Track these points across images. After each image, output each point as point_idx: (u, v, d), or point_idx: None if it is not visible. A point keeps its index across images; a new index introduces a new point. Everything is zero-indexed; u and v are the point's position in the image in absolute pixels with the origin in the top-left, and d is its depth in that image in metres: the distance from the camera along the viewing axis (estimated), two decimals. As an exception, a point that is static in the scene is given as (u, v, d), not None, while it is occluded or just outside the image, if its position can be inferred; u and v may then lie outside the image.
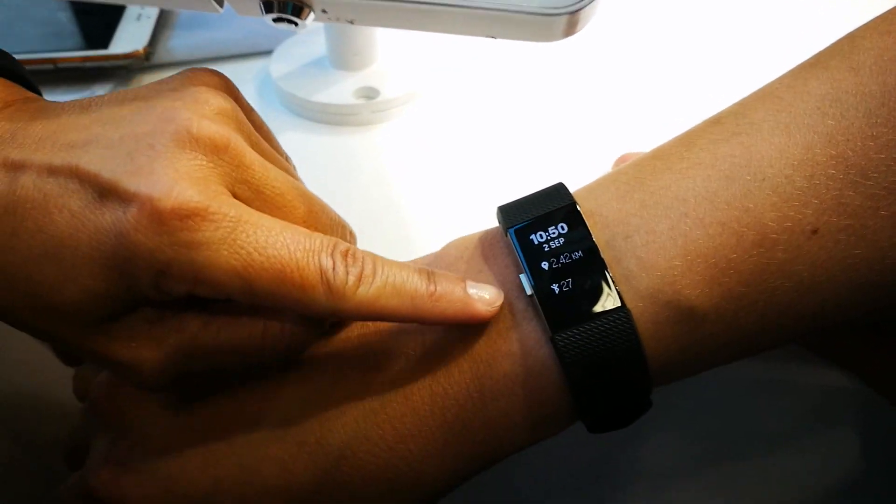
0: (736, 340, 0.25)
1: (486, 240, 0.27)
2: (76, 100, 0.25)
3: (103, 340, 0.23)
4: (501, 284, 0.25)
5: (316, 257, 0.22)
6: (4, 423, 0.43)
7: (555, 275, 0.24)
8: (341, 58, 0.43)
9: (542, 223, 0.25)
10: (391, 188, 0.39)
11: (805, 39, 0.27)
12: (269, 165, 0.25)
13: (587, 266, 0.24)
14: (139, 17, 0.48)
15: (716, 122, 0.26)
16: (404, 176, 0.40)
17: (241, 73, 0.47)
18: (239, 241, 0.21)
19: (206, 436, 0.25)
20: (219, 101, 0.25)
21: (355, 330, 0.26)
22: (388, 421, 0.24)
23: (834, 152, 0.23)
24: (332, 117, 0.43)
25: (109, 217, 0.21)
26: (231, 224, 0.21)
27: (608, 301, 0.23)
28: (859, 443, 0.33)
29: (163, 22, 0.49)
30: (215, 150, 0.23)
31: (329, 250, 0.22)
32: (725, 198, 0.24)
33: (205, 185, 0.22)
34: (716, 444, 0.36)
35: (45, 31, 0.47)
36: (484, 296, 0.24)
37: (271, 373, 0.26)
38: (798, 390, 0.33)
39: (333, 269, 0.22)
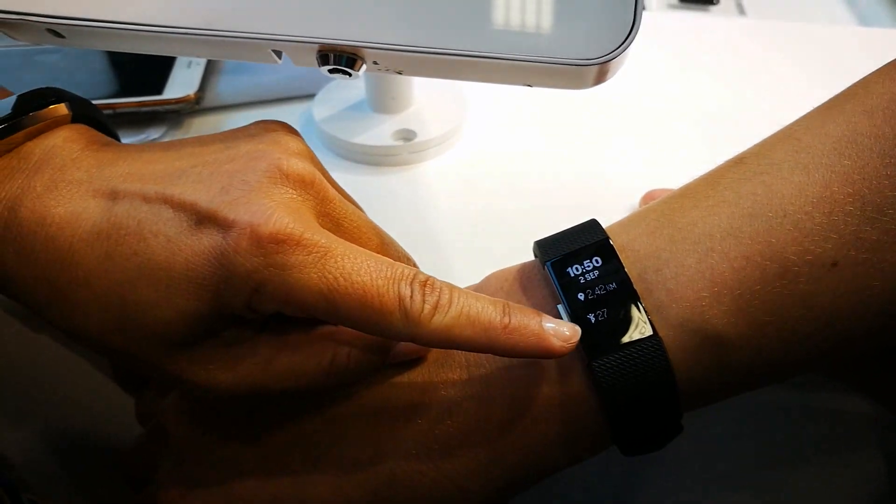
0: (761, 367, 0.26)
1: (524, 272, 0.29)
2: (155, 142, 0.27)
3: (184, 362, 0.25)
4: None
5: (396, 285, 0.23)
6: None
7: (590, 305, 0.26)
8: (380, 101, 0.46)
9: (578, 257, 0.27)
10: (429, 225, 0.41)
11: (821, 84, 0.29)
12: (346, 202, 0.27)
13: (621, 297, 0.26)
14: (189, 65, 0.51)
15: (739, 161, 0.28)
16: (442, 213, 0.42)
17: (285, 116, 0.49)
18: (328, 267, 0.23)
19: (265, 456, 0.27)
20: (298, 144, 0.27)
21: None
22: (435, 442, 0.26)
23: (851, 190, 0.25)
24: (372, 158, 0.45)
25: (207, 242, 0.23)
26: (321, 251, 0.23)
27: (641, 330, 0.25)
28: (881, 467, 0.34)
29: (211, 68, 0.52)
30: (303, 185, 0.25)
31: (409, 280, 0.24)
32: (749, 233, 0.25)
33: (298, 215, 0.24)
34: (737, 470, 0.37)
35: (104, 79, 0.50)
36: (562, 331, 0.24)
37: (327, 396, 0.27)
38: (818, 416, 0.34)
39: (411, 297, 0.23)
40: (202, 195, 0.24)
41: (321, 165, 0.28)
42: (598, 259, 0.27)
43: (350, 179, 0.45)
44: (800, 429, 0.34)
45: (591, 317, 0.26)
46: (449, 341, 0.24)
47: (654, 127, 0.48)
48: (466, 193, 0.43)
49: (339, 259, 0.23)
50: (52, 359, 0.42)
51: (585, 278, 0.26)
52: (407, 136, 0.45)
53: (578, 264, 0.27)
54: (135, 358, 0.25)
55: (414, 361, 0.28)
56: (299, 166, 0.26)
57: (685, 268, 0.26)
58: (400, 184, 0.44)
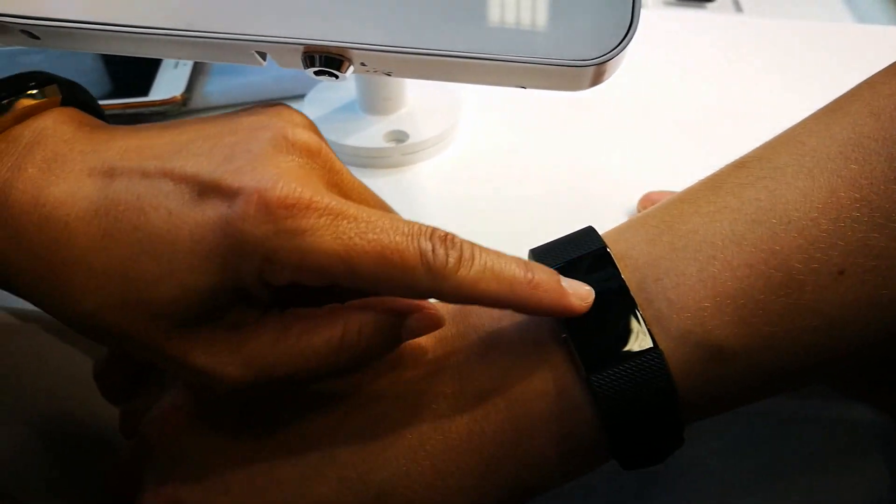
0: (765, 379, 0.25)
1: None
2: (151, 123, 0.27)
3: (186, 345, 0.24)
4: (536, 327, 0.26)
5: (415, 240, 0.23)
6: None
7: (587, 317, 0.25)
8: (371, 103, 0.45)
9: (575, 266, 0.26)
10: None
11: (820, 82, 0.28)
12: (353, 175, 0.27)
13: (620, 308, 0.25)
14: (176, 65, 0.50)
15: (741, 165, 0.27)
16: (434, 216, 0.41)
17: (273, 118, 0.49)
18: (342, 228, 0.22)
19: (252, 470, 0.26)
20: (302, 117, 0.26)
21: (396, 371, 0.27)
22: (426, 458, 0.25)
23: (858, 196, 0.24)
24: (363, 160, 0.44)
25: (212, 212, 0.23)
26: (334, 212, 0.23)
27: (641, 342, 0.24)
28: (885, 475, 0.33)
29: (198, 69, 0.51)
30: (310, 154, 0.25)
31: (428, 235, 0.23)
32: (752, 241, 0.25)
33: (307, 180, 0.23)
34: (741, 482, 0.36)
35: (88, 80, 0.49)
36: (581, 290, 0.24)
37: (316, 412, 0.26)
38: (821, 425, 0.33)
39: (433, 251, 0.23)
40: (204, 166, 0.23)
41: (326, 141, 0.27)
42: (596, 268, 0.26)
43: (341, 182, 0.44)
44: (803, 439, 0.34)
45: (589, 329, 0.25)
46: (475, 295, 0.23)
47: (650, 127, 0.47)
48: (459, 196, 0.42)
49: (353, 220, 0.23)
50: (33, 360, 0.41)
51: (583, 289, 0.25)
52: (399, 137, 0.44)
53: (576, 273, 0.26)
54: (134, 340, 0.24)
55: (405, 377, 0.27)
56: (305, 135, 0.25)
57: (686, 277, 0.25)
58: (391, 186, 0.43)
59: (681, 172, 0.29)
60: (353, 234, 0.22)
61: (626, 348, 0.24)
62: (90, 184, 0.24)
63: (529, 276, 0.24)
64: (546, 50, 0.25)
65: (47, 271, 0.23)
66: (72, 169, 0.24)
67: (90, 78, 0.49)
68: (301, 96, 0.48)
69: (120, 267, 0.23)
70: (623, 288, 0.25)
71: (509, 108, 0.49)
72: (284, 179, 0.23)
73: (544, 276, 0.24)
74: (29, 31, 0.27)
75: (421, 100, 0.46)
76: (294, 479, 0.26)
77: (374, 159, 0.44)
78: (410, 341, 0.27)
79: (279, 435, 0.26)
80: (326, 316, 0.25)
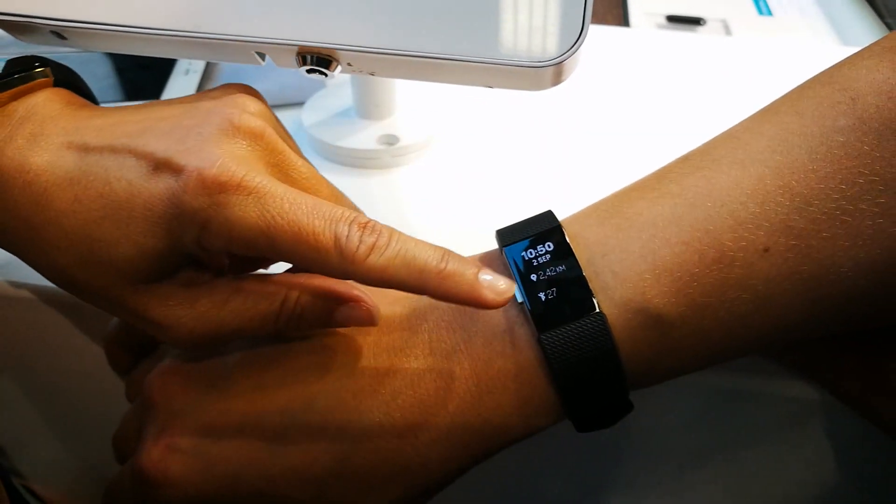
0: (702, 347, 0.28)
1: (486, 258, 0.31)
2: (130, 104, 0.31)
3: (144, 299, 0.28)
4: None
5: (333, 224, 0.26)
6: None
7: (542, 285, 0.28)
8: (365, 108, 0.48)
9: (533, 243, 0.29)
10: (409, 222, 0.43)
11: (767, 90, 0.31)
12: (297, 155, 0.30)
13: (569, 278, 0.28)
14: (187, 72, 0.54)
15: (685, 159, 0.30)
16: (420, 212, 0.44)
17: (275, 122, 0.52)
18: (266, 206, 0.26)
19: (241, 422, 0.29)
20: (255, 104, 0.30)
21: (374, 335, 0.30)
22: (398, 410, 0.28)
23: (781, 183, 0.27)
24: (356, 161, 0.47)
25: (163, 185, 0.27)
26: (261, 191, 0.26)
27: (587, 308, 0.27)
28: (827, 452, 0.36)
29: (208, 75, 0.55)
30: (253, 137, 0.28)
31: (347, 221, 0.26)
32: (689, 221, 0.28)
33: (244, 162, 0.27)
34: (694, 455, 0.39)
35: (102, 85, 0.52)
36: (497, 284, 0.26)
37: (300, 372, 0.29)
38: (764, 401, 0.36)
39: (347, 236, 0.26)
40: (160, 146, 0.27)
41: (278, 125, 0.31)
42: (551, 244, 0.29)
43: (335, 181, 0.46)
44: (749, 413, 0.36)
45: (542, 295, 0.28)
46: (383, 280, 0.26)
47: (637, 141, 0.50)
48: (444, 195, 0.45)
49: (278, 199, 0.26)
50: (40, 343, 0.43)
51: (538, 261, 0.29)
52: (390, 140, 0.48)
53: (533, 249, 0.29)
54: (99, 295, 0.28)
55: (379, 337, 0.30)
56: (251, 121, 0.29)
57: (629, 253, 0.28)
58: (381, 185, 0.46)
59: (644, 165, 0.32)
60: (275, 213, 0.26)
61: (574, 312, 0.27)
62: (68, 156, 0.28)
63: (442, 266, 0.26)
64: (507, 52, 0.28)
65: (28, 230, 0.27)
66: (53, 142, 0.28)
67: (104, 84, 0.53)
68: (301, 103, 0.52)
69: (86, 228, 0.27)
70: (574, 262, 0.28)
71: (494, 113, 0.52)
72: (223, 160, 0.26)
73: (459, 267, 0.26)
74: (58, 31, 0.31)
75: (411, 105, 0.50)
76: (278, 430, 0.29)
77: (366, 160, 0.47)
78: (386, 310, 0.30)
79: (265, 391, 0.29)
80: (273, 285, 0.28)
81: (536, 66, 0.28)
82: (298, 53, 0.30)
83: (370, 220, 0.27)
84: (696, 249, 0.27)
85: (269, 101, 0.55)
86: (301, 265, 0.27)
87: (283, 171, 0.29)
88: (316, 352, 0.30)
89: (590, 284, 0.28)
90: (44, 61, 0.31)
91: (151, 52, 0.32)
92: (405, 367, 0.29)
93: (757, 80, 0.56)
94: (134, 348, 0.36)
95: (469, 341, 0.29)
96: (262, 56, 0.31)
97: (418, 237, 0.42)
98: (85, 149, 0.28)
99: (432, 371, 0.29)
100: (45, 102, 0.29)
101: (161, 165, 0.27)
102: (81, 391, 0.45)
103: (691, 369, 0.29)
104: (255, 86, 0.56)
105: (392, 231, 0.27)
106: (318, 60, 0.30)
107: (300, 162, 0.30)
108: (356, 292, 0.29)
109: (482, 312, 0.29)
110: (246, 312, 0.28)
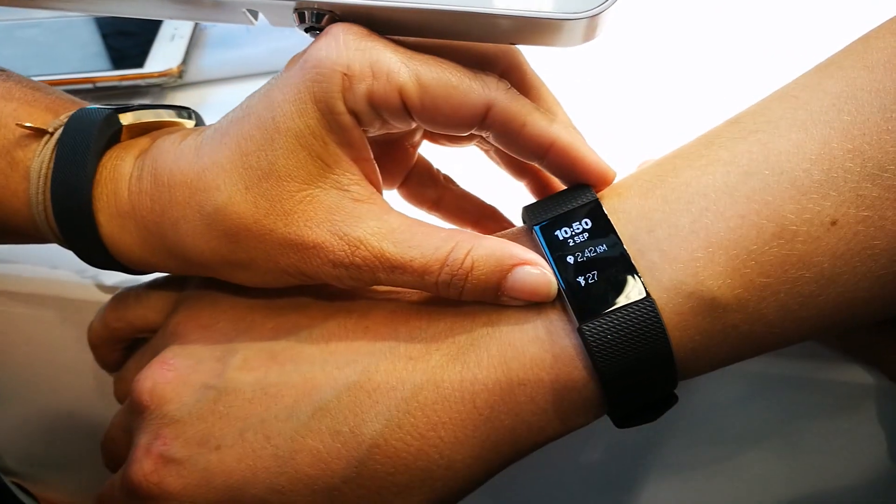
0: (758, 332, 0.25)
1: (512, 238, 0.28)
2: None
3: (308, 213, 0.26)
4: None
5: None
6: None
7: (580, 268, 0.25)
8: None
9: (566, 219, 0.26)
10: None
11: (821, 43, 0.28)
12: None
13: (612, 259, 0.25)
14: (173, 38, 0.50)
15: (735, 121, 0.27)
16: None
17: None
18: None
19: (243, 427, 0.26)
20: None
21: (391, 325, 0.27)
22: (419, 409, 0.25)
23: (851, 146, 0.24)
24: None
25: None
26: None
27: (633, 292, 0.24)
28: (883, 438, 0.33)
29: (195, 41, 0.51)
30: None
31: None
32: (745, 192, 0.24)
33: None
34: (737, 442, 0.36)
35: (84, 53, 0.49)
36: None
37: (306, 367, 0.26)
38: (819, 387, 0.33)
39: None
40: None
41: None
42: (588, 221, 0.26)
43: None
44: (797, 401, 0.34)
45: (581, 279, 0.25)
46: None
47: (651, 89, 0.46)
48: (456, 159, 0.42)
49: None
50: (32, 343, 0.41)
51: (575, 241, 0.25)
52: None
53: (567, 227, 0.26)
54: (261, 223, 0.26)
55: (395, 327, 0.27)
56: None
57: (678, 228, 0.25)
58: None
59: (682, 135, 0.29)
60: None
61: (619, 298, 0.24)
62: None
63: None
64: (534, 2, 0.25)
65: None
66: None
67: (87, 51, 0.49)
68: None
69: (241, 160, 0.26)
70: (616, 240, 0.25)
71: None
72: None
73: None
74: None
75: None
76: (285, 434, 0.26)
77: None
78: (403, 292, 0.27)
79: (269, 391, 0.26)
80: (447, 230, 0.26)
81: (567, 19, 0.25)
82: (296, 10, 0.26)
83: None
84: (754, 223, 0.24)
85: (260, 68, 0.52)
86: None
87: None
88: (325, 344, 0.27)
89: (636, 265, 0.24)
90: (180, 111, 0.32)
91: (135, 13, 0.29)
92: (426, 359, 0.26)
93: (815, 30, 0.51)
94: (120, 343, 0.33)
95: (497, 325, 0.26)
96: (255, 14, 0.28)
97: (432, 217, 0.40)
98: None
99: (457, 362, 0.25)
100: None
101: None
102: (74, 388, 0.43)
103: (745, 357, 0.26)
104: (245, 50, 0.53)
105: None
106: (318, 17, 0.26)
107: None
108: (532, 255, 0.26)
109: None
110: (416, 246, 0.25)
